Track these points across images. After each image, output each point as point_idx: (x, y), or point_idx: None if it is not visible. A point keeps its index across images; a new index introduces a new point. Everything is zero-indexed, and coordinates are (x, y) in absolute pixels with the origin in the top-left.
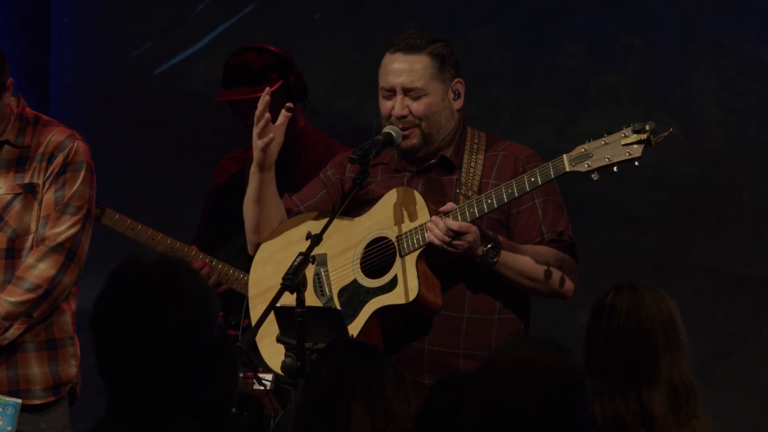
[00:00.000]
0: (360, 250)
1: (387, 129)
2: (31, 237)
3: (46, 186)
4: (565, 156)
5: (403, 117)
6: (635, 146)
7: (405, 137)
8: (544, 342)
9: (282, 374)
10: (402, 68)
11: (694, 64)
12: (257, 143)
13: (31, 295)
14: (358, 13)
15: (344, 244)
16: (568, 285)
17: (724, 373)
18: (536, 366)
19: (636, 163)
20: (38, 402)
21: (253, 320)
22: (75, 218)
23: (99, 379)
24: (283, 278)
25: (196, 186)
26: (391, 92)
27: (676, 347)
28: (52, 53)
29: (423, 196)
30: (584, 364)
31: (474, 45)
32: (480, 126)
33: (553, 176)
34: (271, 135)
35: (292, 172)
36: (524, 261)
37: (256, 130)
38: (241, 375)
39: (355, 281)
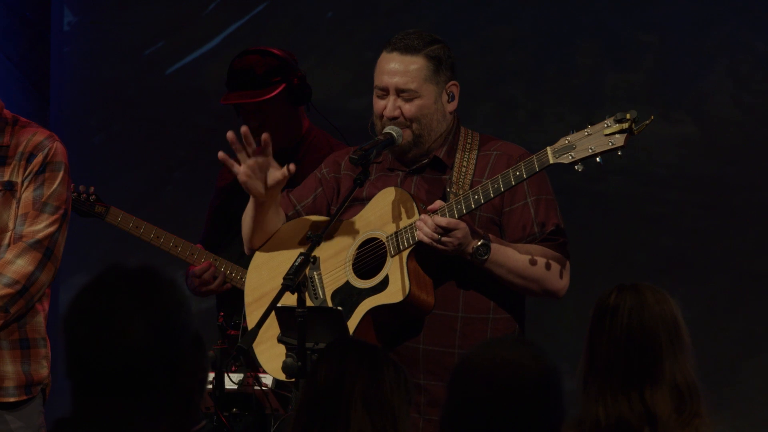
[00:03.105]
0: (352, 251)
1: (388, 129)
2: (8, 235)
3: (25, 184)
4: (548, 148)
5: (395, 118)
6: (617, 136)
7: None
8: (520, 342)
9: (280, 379)
10: (397, 69)
11: (710, 62)
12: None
13: (8, 290)
14: (370, 12)
15: (336, 246)
16: (560, 284)
17: (747, 372)
18: (512, 366)
19: (619, 153)
20: (11, 400)
21: (250, 327)
22: (53, 217)
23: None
24: (284, 278)
25: (209, 185)
26: (385, 92)
27: (680, 347)
28: (52, 53)
29: (412, 196)
30: (587, 364)
31: (488, 44)
32: (495, 125)
33: (537, 169)
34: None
35: (295, 174)
36: (515, 259)
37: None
38: (242, 375)
39: (347, 283)
